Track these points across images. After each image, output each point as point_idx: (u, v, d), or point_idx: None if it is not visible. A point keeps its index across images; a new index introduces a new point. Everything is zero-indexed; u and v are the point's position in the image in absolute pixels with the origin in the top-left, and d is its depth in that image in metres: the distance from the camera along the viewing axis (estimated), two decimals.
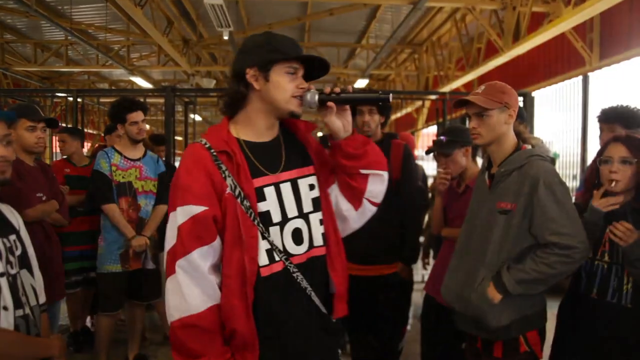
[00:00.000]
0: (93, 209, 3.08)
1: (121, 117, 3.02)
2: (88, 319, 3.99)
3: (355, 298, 2.79)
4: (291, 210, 1.36)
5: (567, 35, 6.02)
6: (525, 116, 3.36)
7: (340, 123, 1.38)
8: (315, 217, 1.40)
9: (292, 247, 1.34)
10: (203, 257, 1.26)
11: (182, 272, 1.24)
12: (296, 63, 1.35)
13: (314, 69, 1.40)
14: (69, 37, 8.64)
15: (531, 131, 5.94)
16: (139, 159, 3.11)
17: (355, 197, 1.46)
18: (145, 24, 6.47)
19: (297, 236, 1.36)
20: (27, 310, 1.42)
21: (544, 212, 1.68)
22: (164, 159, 4.20)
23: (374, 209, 1.52)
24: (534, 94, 7.30)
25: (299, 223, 1.36)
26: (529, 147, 1.83)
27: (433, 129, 10.86)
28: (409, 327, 3.23)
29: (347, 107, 1.38)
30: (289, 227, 1.35)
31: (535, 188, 1.69)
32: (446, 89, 8.64)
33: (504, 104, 1.78)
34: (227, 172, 1.29)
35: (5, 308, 1.32)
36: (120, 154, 3.05)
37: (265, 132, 1.39)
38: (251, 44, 1.37)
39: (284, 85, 1.33)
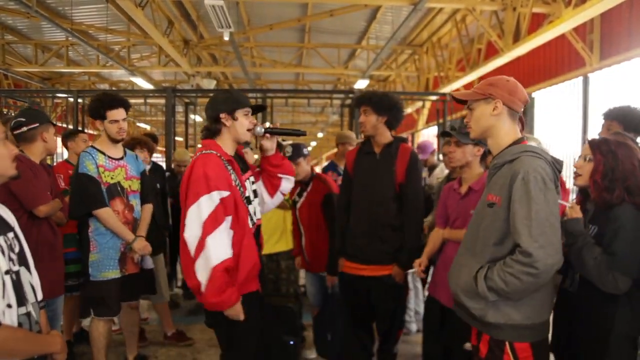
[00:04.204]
0: (80, 215, 2.79)
1: (100, 114, 2.78)
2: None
3: (350, 296, 2.84)
4: (252, 195, 2.21)
5: (568, 36, 6.02)
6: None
7: (270, 145, 2.26)
8: (256, 201, 2.24)
9: (255, 217, 2.19)
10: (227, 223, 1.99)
11: (219, 232, 1.94)
12: (249, 108, 2.14)
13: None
14: (70, 38, 8.67)
15: (531, 132, 5.96)
16: (121, 158, 2.91)
17: (273, 190, 2.36)
18: (146, 25, 6.47)
19: (255, 211, 2.20)
20: (30, 308, 1.45)
21: (514, 208, 1.61)
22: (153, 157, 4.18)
23: (282, 198, 2.41)
24: (534, 94, 7.34)
25: (255, 203, 2.21)
26: (533, 143, 1.77)
27: (433, 130, 10.87)
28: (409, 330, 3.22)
29: (275, 136, 2.26)
30: (253, 205, 2.19)
31: (513, 181, 1.62)
32: (446, 89, 8.65)
33: (487, 95, 1.73)
34: (232, 171, 2.07)
35: (9, 306, 1.34)
36: (104, 153, 2.82)
37: (232, 150, 2.16)
38: (220, 98, 2.14)
39: (243, 122, 2.11)
